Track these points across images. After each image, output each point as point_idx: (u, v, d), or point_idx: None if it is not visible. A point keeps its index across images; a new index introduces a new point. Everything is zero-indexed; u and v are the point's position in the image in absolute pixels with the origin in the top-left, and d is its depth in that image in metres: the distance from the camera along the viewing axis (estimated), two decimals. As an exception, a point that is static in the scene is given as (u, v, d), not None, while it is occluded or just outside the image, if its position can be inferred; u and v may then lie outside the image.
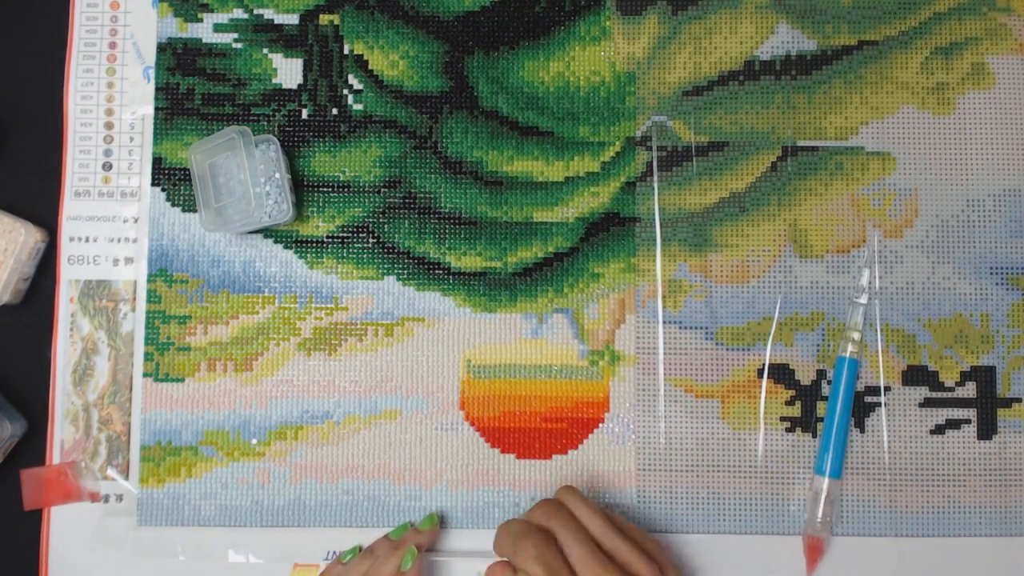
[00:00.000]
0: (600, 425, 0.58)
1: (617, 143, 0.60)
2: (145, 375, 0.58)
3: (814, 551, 0.56)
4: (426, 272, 0.59)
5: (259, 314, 0.59)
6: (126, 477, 0.58)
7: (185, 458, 0.58)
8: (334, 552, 0.57)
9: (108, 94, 0.60)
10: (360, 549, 0.56)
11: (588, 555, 0.46)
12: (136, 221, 0.59)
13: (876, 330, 0.58)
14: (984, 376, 0.58)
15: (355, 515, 0.57)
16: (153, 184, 0.59)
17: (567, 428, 0.58)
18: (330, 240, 0.59)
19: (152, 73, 0.60)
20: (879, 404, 0.58)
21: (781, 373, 0.58)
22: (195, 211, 0.59)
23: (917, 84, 0.60)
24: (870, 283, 0.58)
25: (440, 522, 0.57)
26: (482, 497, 0.57)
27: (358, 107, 0.60)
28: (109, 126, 0.60)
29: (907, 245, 0.59)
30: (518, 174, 0.60)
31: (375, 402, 0.58)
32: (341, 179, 0.60)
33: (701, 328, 0.58)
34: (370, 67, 0.60)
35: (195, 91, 0.60)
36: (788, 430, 0.58)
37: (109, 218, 0.59)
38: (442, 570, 0.56)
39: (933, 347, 0.58)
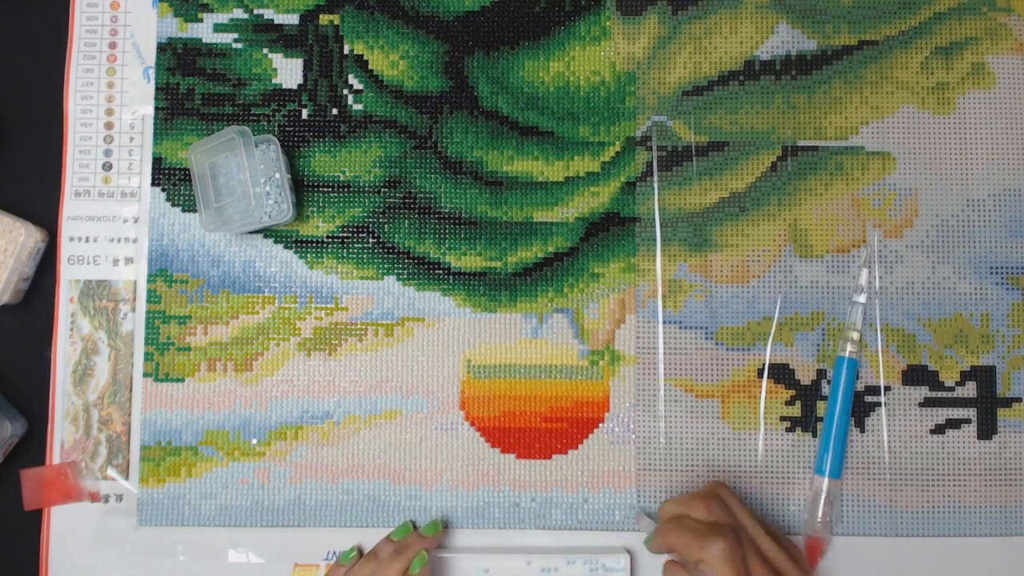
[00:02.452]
0: (600, 425, 0.58)
1: (617, 143, 0.60)
2: (145, 375, 0.58)
3: (814, 551, 0.55)
4: (426, 272, 0.59)
5: (259, 314, 0.59)
6: (126, 477, 0.58)
7: (185, 458, 0.58)
8: (334, 552, 0.57)
9: (108, 94, 0.60)
10: (359, 550, 0.56)
11: (755, 555, 0.48)
12: (136, 221, 0.59)
13: (876, 330, 0.58)
14: (984, 376, 0.58)
15: (355, 515, 0.57)
16: (153, 184, 0.59)
17: (567, 428, 0.58)
18: (330, 240, 0.59)
19: (152, 73, 0.60)
20: (879, 404, 0.58)
21: (781, 373, 0.58)
22: (195, 211, 0.59)
23: (917, 84, 0.60)
24: (869, 283, 0.58)
25: (444, 526, 0.57)
26: (482, 497, 0.57)
27: (358, 107, 0.60)
28: (109, 126, 0.60)
29: (907, 245, 0.59)
30: (518, 174, 0.60)
31: (375, 402, 0.58)
32: (341, 179, 0.60)
33: (701, 328, 0.58)
34: (370, 67, 0.60)
35: (195, 91, 0.60)
36: (788, 430, 0.58)
37: (109, 218, 0.59)
38: (446, 567, 0.56)
39: (933, 347, 0.58)
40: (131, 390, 0.58)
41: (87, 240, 0.59)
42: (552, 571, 0.55)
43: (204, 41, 0.60)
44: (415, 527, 0.57)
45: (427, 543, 0.54)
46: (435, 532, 0.55)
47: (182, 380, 0.58)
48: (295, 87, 0.60)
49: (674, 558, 0.52)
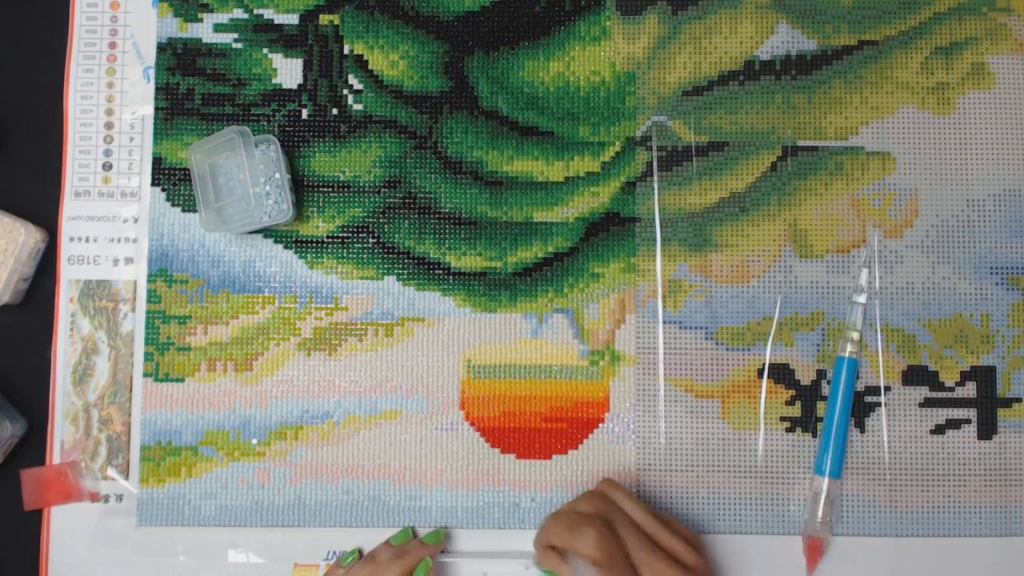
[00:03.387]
0: (600, 425, 0.58)
1: (617, 143, 0.60)
2: (145, 375, 0.58)
3: (814, 551, 0.56)
4: (426, 272, 0.59)
5: (259, 314, 0.59)
6: (126, 477, 0.58)
7: (185, 458, 0.58)
8: (334, 552, 0.57)
9: (108, 94, 0.60)
10: (360, 552, 0.56)
11: (643, 544, 0.49)
12: (136, 221, 0.59)
13: (876, 330, 0.58)
14: (984, 376, 0.58)
15: (355, 515, 0.57)
16: (153, 184, 0.59)
17: (567, 428, 0.58)
18: (330, 240, 0.59)
19: (152, 73, 0.60)
20: (879, 404, 0.58)
21: (781, 373, 0.58)
22: (195, 211, 0.59)
23: (917, 84, 0.60)
24: (869, 283, 0.58)
25: (446, 536, 0.57)
26: (482, 497, 0.57)
27: (358, 107, 0.60)
28: (109, 126, 0.60)
29: (907, 245, 0.59)
30: (518, 174, 0.60)
31: (375, 402, 0.58)
32: (341, 179, 0.60)
33: (701, 328, 0.58)
34: (370, 67, 0.60)
35: (195, 91, 0.60)
36: (788, 430, 0.58)
37: (109, 218, 0.59)
38: (446, 570, 0.56)
39: (933, 347, 0.58)
40: (131, 390, 0.58)
41: (87, 240, 0.59)
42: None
43: (204, 41, 0.60)
44: (415, 534, 0.56)
45: (429, 550, 0.54)
46: (437, 541, 0.55)
47: (182, 380, 0.58)
48: (295, 87, 0.60)
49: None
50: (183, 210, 0.59)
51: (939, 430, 0.58)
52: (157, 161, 0.60)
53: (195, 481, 0.57)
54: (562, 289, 0.59)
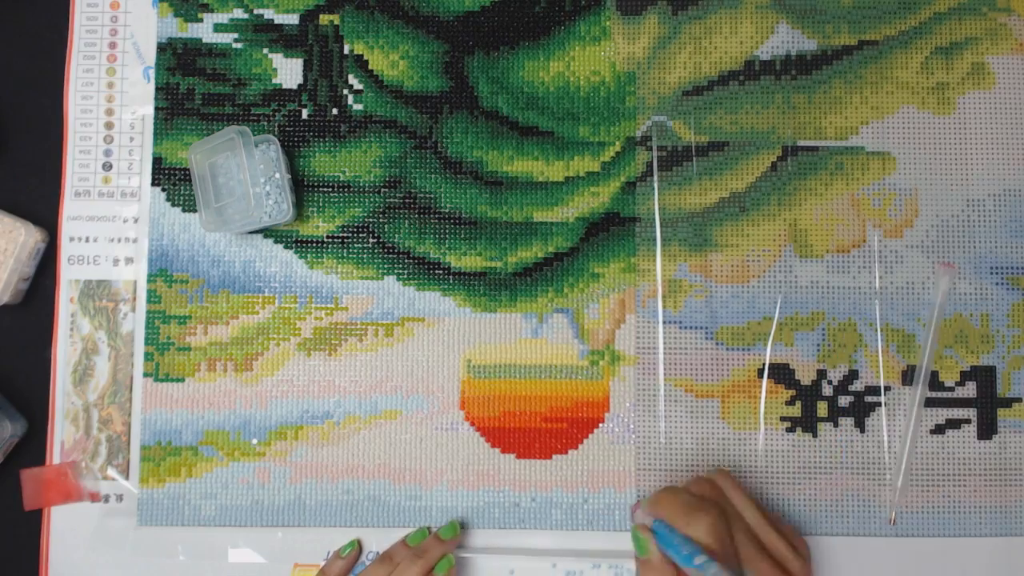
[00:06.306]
0: (600, 425, 0.58)
1: (617, 143, 0.60)
2: (145, 375, 0.58)
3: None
4: (426, 272, 0.59)
5: (259, 314, 0.59)
6: (126, 477, 0.58)
7: (185, 458, 0.58)
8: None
9: (108, 94, 0.60)
10: (358, 543, 0.56)
11: (751, 542, 0.48)
12: (136, 221, 0.59)
13: (876, 330, 0.58)
14: (984, 376, 0.58)
15: (355, 515, 0.57)
16: (153, 184, 0.59)
17: (567, 428, 0.58)
18: (330, 240, 0.59)
19: (152, 73, 0.60)
20: (879, 404, 0.58)
21: (781, 373, 0.58)
22: (195, 211, 0.59)
23: (917, 84, 0.60)
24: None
25: (461, 527, 0.57)
26: (482, 497, 0.57)
27: (358, 107, 0.60)
28: (109, 126, 0.60)
29: (907, 245, 0.59)
30: (518, 174, 0.60)
31: (375, 402, 0.58)
32: (341, 179, 0.60)
33: (701, 328, 0.58)
34: (370, 67, 0.60)
35: (195, 91, 0.60)
36: (788, 430, 0.58)
37: (109, 218, 0.59)
38: (469, 570, 0.56)
39: (933, 347, 0.58)
40: (131, 390, 0.58)
41: (87, 240, 0.59)
42: (577, 574, 0.56)
43: (204, 41, 0.60)
44: (430, 532, 0.56)
45: (447, 547, 0.54)
46: (454, 534, 0.55)
47: (182, 380, 0.58)
48: (295, 87, 0.60)
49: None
50: (183, 210, 0.59)
51: (939, 430, 0.58)
52: (157, 161, 0.60)
53: (195, 481, 0.57)
54: (562, 289, 0.59)
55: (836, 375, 0.58)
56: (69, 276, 0.59)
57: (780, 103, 0.60)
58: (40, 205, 0.59)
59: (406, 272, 0.59)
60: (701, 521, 0.47)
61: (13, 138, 0.60)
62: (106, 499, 0.58)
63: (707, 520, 0.47)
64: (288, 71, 0.60)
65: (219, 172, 0.57)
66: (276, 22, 0.60)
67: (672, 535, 0.47)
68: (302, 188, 0.59)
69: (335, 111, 0.60)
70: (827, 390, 0.58)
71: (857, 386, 0.58)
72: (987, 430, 0.58)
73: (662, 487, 0.52)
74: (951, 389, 0.58)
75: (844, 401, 0.58)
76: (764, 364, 0.58)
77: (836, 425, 0.58)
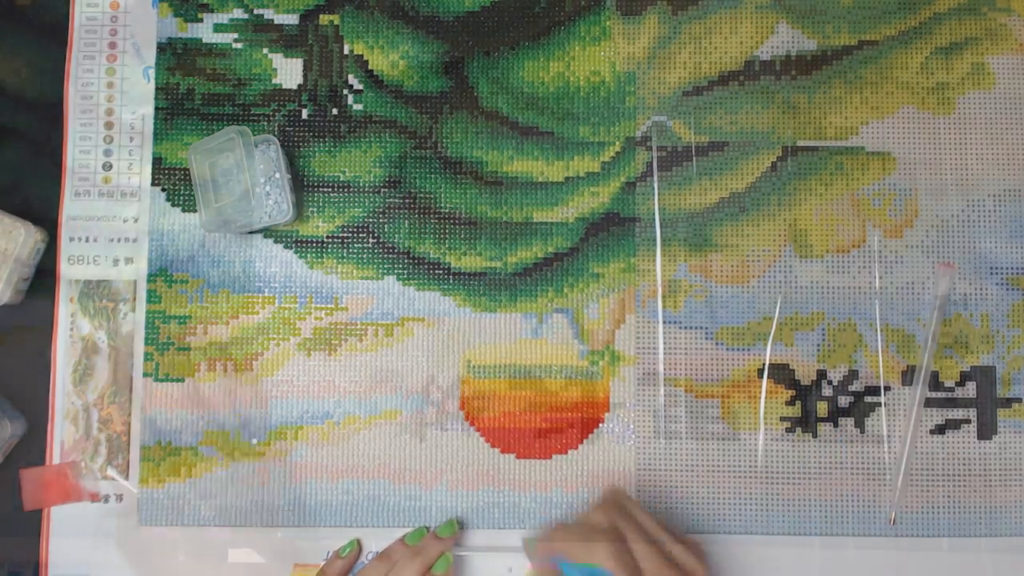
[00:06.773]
0: (600, 425, 0.58)
1: (617, 143, 0.60)
2: (145, 375, 0.58)
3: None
4: (426, 272, 0.59)
5: (259, 314, 0.59)
6: (126, 477, 0.58)
7: (185, 458, 0.58)
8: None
9: (108, 94, 0.60)
10: (358, 543, 0.56)
11: (654, 555, 0.48)
12: (136, 221, 0.59)
13: (876, 330, 0.58)
14: (984, 376, 0.58)
15: (355, 515, 0.57)
16: (153, 184, 0.59)
17: (567, 428, 0.58)
18: (330, 240, 0.59)
19: (152, 73, 0.60)
20: (879, 404, 0.58)
21: (781, 373, 0.58)
22: (195, 211, 0.59)
23: (917, 84, 0.60)
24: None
25: (460, 526, 0.57)
26: (482, 497, 0.57)
27: (358, 107, 0.60)
28: (109, 126, 0.60)
29: (907, 245, 0.59)
30: (518, 174, 0.60)
31: (375, 402, 0.58)
32: (341, 179, 0.60)
33: (701, 328, 0.58)
34: (370, 67, 0.60)
35: (195, 91, 0.60)
36: (788, 430, 0.58)
37: (109, 218, 0.59)
38: (467, 568, 0.56)
39: (933, 347, 0.58)
40: (131, 390, 0.58)
41: (87, 240, 0.59)
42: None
43: (204, 41, 0.60)
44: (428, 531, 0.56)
45: (445, 545, 0.54)
46: (452, 533, 0.55)
47: (182, 380, 0.58)
48: (295, 87, 0.60)
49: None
50: (183, 210, 0.59)
51: (939, 430, 0.58)
52: (157, 161, 0.60)
53: (195, 481, 0.57)
54: (562, 289, 0.59)
55: (836, 375, 0.58)
56: (69, 276, 0.59)
57: (780, 103, 0.60)
58: (40, 205, 0.59)
59: (406, 272, 0.59)
60: (599, 548, 0.47)
61: (13, 138, 0.60)
62: (106, 499, 0.58)
63: (604, 546, 0.47)
64: (288, 71, 0.60)
65: (219, 172, 0.57)
66: (276, 22, 0.60)
67: (573, 569, 0.48)
68: (302, 188, 0.59)
69: (335, 111, 0.60)
70: (827, 390, 0.58)
71: (857, 386, 0.58)
72: (987, 430, 0.58)
73: (551, 526, 0.52)
74: (951, 389, 0.58)
75: (844, 401, 0.58)
76: (764, 364, 0.58)
77: (836, 425, 0.58)
